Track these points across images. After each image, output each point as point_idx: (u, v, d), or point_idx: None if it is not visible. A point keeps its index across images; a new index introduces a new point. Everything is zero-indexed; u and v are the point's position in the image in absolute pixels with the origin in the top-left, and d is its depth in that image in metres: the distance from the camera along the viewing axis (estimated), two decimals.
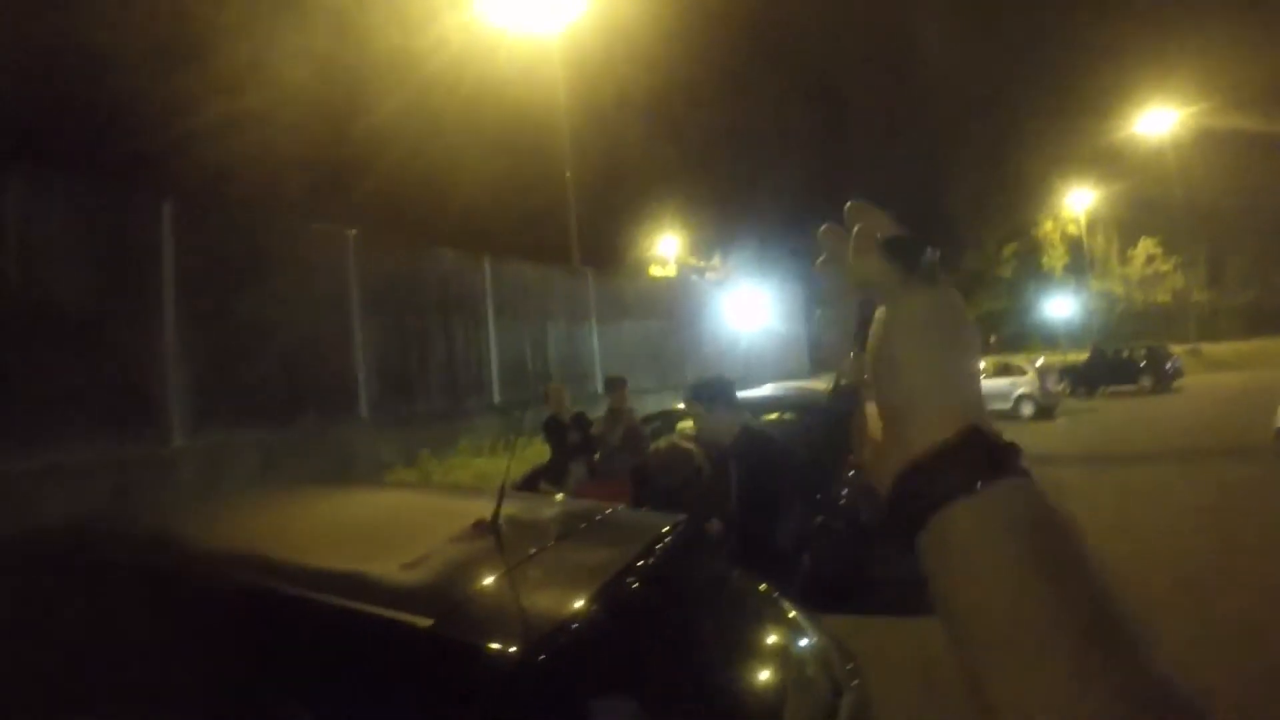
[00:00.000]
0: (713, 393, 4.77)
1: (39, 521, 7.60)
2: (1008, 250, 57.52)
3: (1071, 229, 54.99)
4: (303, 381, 12.30)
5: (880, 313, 0.70)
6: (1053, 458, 14.73)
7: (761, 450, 4.48)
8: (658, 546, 2.34)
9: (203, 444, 10.65)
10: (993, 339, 52.88)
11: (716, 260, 41.03)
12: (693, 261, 34.30)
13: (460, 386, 15.63)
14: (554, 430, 7.96)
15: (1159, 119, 44.28)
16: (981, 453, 0.63)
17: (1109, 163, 48.68)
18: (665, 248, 39.38)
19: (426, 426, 14.55)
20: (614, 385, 8.15)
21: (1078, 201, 52.41)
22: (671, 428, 8.39)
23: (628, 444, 7.35)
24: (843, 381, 5.14)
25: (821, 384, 8.41)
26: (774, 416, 9.79)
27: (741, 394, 6.32)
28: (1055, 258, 56.23)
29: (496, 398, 16.49)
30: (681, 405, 9.85)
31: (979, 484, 0.62)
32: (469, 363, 15.96)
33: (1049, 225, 56.38)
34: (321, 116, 25.80)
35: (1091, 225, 53.90)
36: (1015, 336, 52.94)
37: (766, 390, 8.63)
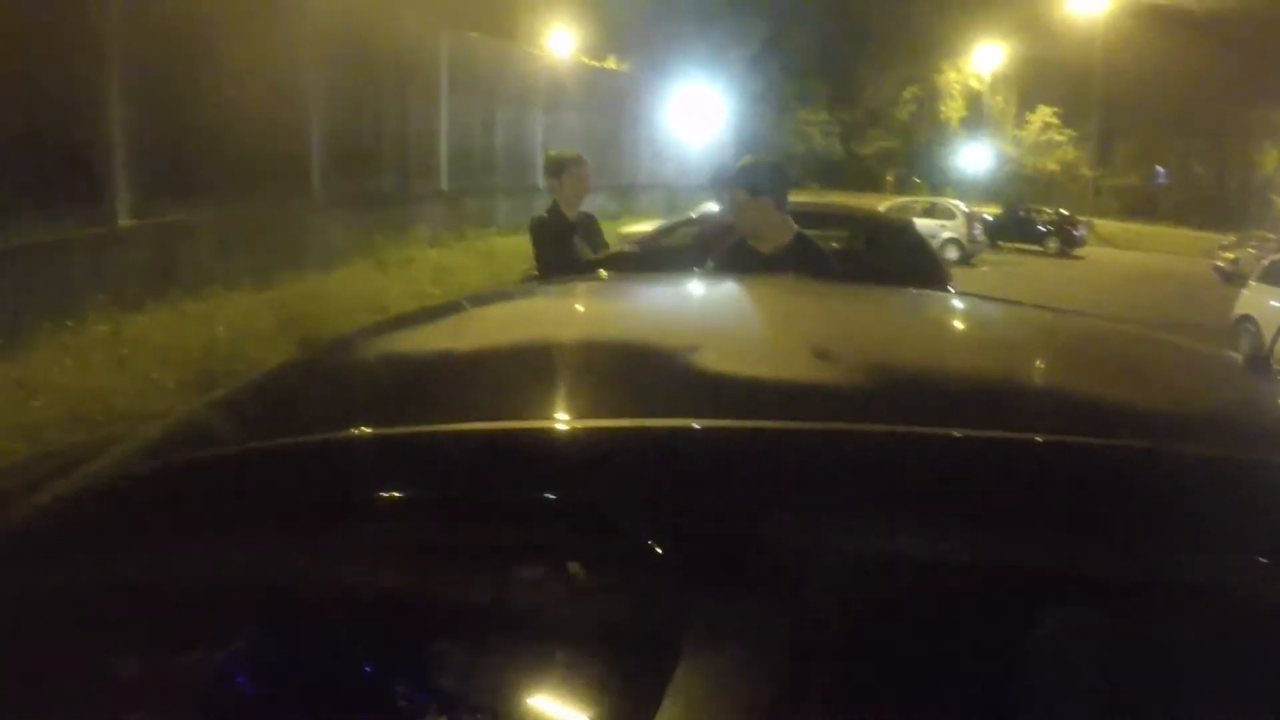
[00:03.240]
0: (762, 180, 3.58)
1: None
2: (907, 92, 57.30)
3: (974, 83, 54.91)
4: (254, 156, 10.99)
5: None
6: None
7: (820, 272, 3.44)
8: None
9: (151, 224, 9.45)
10: (890, 178, 53.19)
11: (612, 61, 37.05)
12: (584, 60, 30.29)
13: (411, 169, 14.53)
14: (556, 231, 5.09)
15: None
16: None
17: (1024, 23, 47.80)
18: (556, 42, 33.46)
19: (379, 209, 13.59)
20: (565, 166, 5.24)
21: (984, 57, 51.82)
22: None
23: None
24: None
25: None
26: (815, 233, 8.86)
27: None
28: (953, 109, 56.42)
29: (445, 184, 15.41)
30: (694, 213, 9.07)
31: None
32: (421, 143, 14.82)
33: (952, 75, 56.20)
34: None
35: (994, 83, 53.74)
36: (906, 179, 53.52)
37: (801, 199, 7.54)
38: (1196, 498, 1.02)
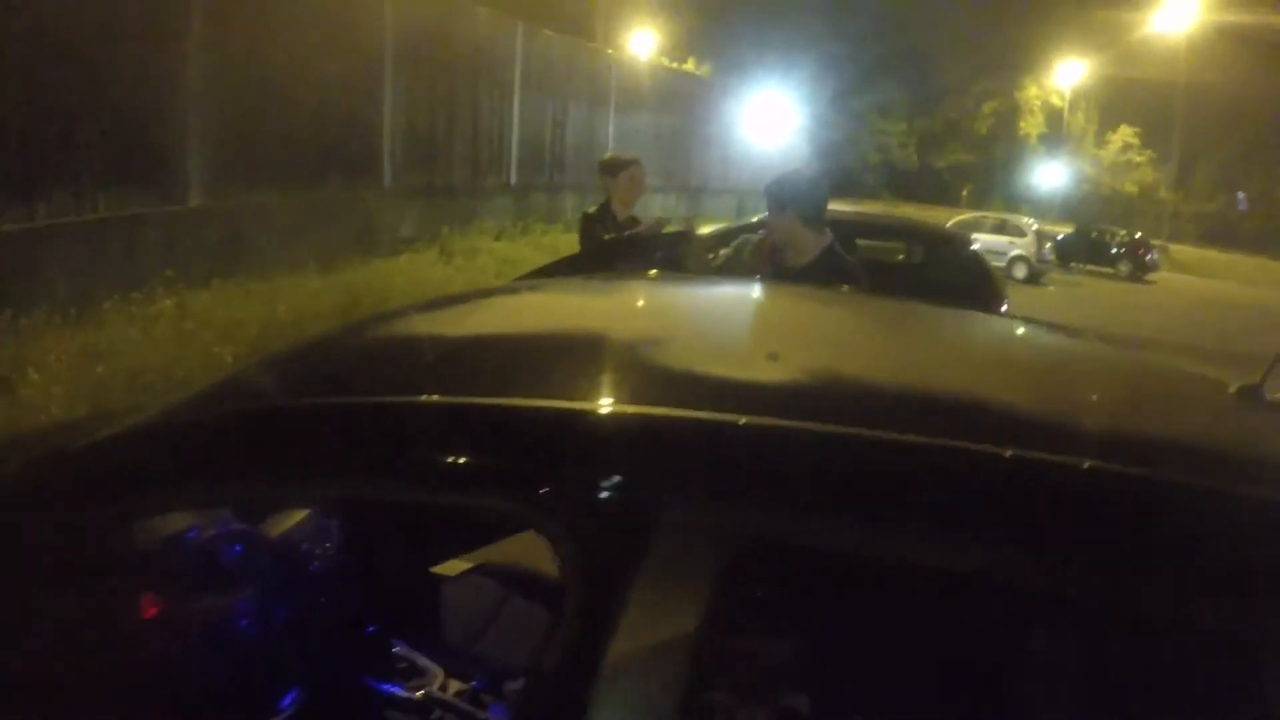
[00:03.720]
0: (790, 194, 3.56)
1: (42, 288, 6.82)
2: (988, 106, 56.50)
3: (1055, 100, 53.94)
4: (329, 143, 11.18)
5: None
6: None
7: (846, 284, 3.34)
8: None
9: (223, 204, 9.60)
10: (965, 192, 52.38)
11: (691, 63, 37.16)
12: (664, 62, 30.40)
13: (481, 162, 14.59)
14: (602, 229, 5.01)
15: (1181, 10, 41.36)
16: None
17: (1108, 40, 46.70)
18: (638, 43, 33.57)
19: (447, 201, 13.65)
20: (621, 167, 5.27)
21: (1066, 73, 50.80)
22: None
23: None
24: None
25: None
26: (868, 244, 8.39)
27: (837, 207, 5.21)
28: (1032, 125, 55.56)
29: (514, 178, 15.47)
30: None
31: None
32: (491, 138, 14.86)
33: (1032, 90, 55.33)
34: None
35: (1075, 101, 52.74)
36: (982, 194, 52.60)
37: (866, 209, 7.51)
38: (1166, 526, 1.04)
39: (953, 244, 8.60)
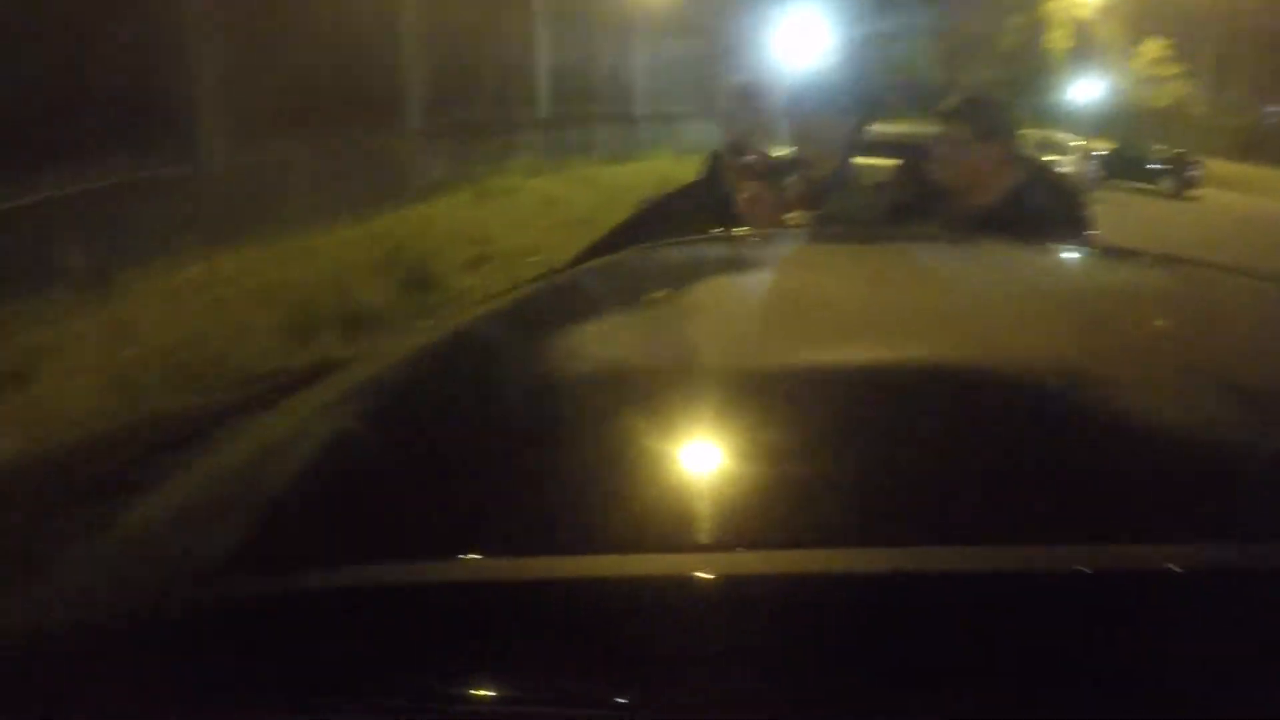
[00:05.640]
0: (994, 120, 3.05)
1: (58, 261, 6.18)
2: (1010, 21, 54.79)
3: (1080, 12, 52.21)
4: (348, 86, 10.49)
5: None
6: None
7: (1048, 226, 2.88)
8: None
9: (243, 161, 8.98)
10: None
11: None
12: None
13: (509, 97, 13.87)
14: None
15: None
16: None
17: None
18: None
19: (477, 138, 13.02)
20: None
21: None
22: None
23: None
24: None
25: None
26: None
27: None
28: (1058, 39, 53.83)
29: (544, 112, 14.72)
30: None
31: None
32: (517, 71, 14.13)
33: (1060, 2, 53.61)
34: None
35: (1102, 11, 51.04)
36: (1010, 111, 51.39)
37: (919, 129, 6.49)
38: None
39: (1033, 165, 7.78)
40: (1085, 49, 51.71)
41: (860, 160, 3.77)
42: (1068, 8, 54.09)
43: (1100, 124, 43.64)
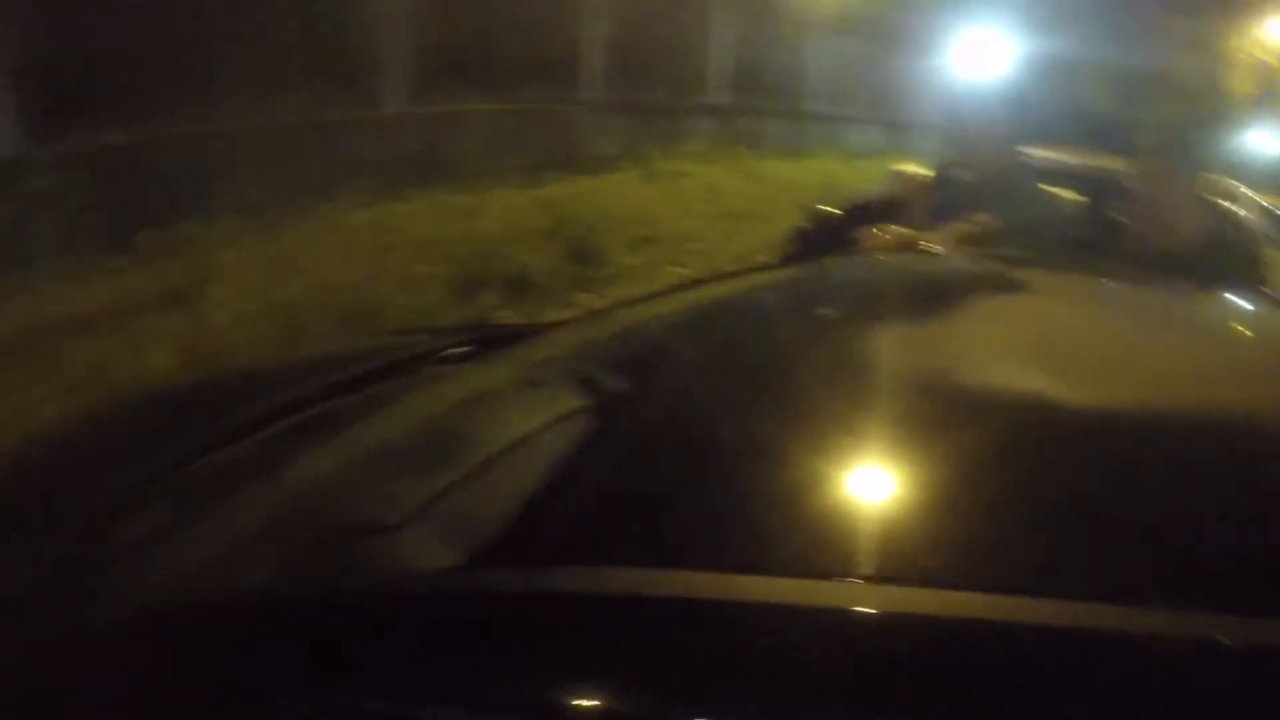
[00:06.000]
0: (1201, 154, 2.81)
1: (232, 191, 6.20)
2: (1187, 56, 51.86)
3: (1267, 56, 48.94)
4: (528, 54, 10.44)
5: None
6: None
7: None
8: None
9: (421, 110, 8.99)
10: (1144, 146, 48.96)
11: None
12: None
13: (685, 81, 13.65)
14: None
15: None
16: None
17: None
18: None
19: (649, 118, 12.80)
20: None
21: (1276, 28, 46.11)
22: None
23: None
24: None
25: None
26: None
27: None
28: (1240, 81, 50.68)
29: (717, 99, 14.48)
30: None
31: None
32: (694, 56, 13.91)
33: (1239, 43, 50.43)
34: None
35: None
36: (1171, 151, 48.78)
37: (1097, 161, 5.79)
38: None
39: (1222, 212, 7.09)
40: (1269, 98, 48.97)
41: (1041, 186, 3.62)
42: (1250, 49, 51.25)
43: (1271, 176, 41.34)
